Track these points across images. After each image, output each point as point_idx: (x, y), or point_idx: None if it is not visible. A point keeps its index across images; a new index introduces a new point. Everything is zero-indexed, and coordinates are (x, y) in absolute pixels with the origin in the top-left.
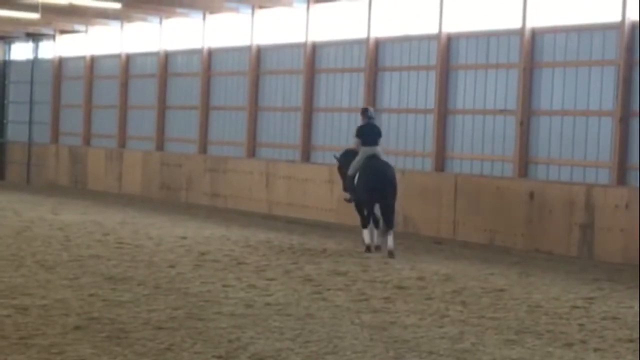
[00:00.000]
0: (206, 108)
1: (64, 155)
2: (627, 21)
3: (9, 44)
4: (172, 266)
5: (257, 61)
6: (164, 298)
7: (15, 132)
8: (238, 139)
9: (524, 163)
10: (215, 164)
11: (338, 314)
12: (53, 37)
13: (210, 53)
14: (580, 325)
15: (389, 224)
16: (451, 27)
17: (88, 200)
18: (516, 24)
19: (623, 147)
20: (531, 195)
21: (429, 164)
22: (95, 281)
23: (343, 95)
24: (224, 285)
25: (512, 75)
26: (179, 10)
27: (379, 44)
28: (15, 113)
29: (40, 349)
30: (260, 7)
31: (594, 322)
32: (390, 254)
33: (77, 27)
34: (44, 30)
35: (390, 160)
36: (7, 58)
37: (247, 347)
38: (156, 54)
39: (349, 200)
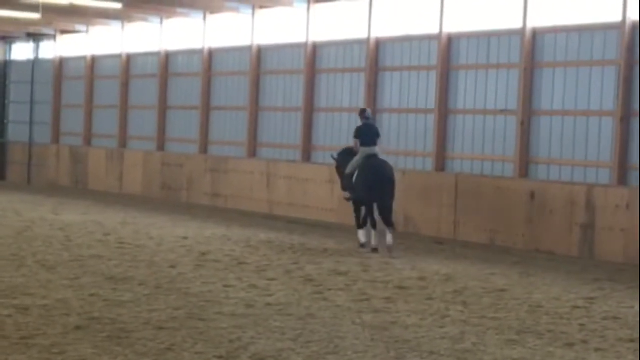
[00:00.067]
0: (207, 108)
1: (64, 155)
2: (627, 21)
3: (10, 44)
4: (173, 266)
5: (258, 61)
6: (165, 298)
7: (16, 132)
8: (239, 139)
9: (525, 163)
10: (216, 164)
11: (339, 314)
12: (54, 37)
13: (211, 53)
14: (581, 325)
15: (387, 222)
16: (452, 27)
17: (89, 200)
18: (517, 24)
19: (624, 147)
20: (532, 195)
21: (429, 164)
22: (96, 281)
23: (344, 95)
24: (225, 286)
25: (512, 75)
26: (179, 10)
27: (379, 44)
28: (16, 113)
29: (41, 349)
30: (261, 7)
31: (595, 322)
32: (389, 251)
33: (78, 27)
34: (45, 31)
35: (391, 160)
36: (8, 58)
37: (248, 347)
38: (157, 54)
39: (348, 199)
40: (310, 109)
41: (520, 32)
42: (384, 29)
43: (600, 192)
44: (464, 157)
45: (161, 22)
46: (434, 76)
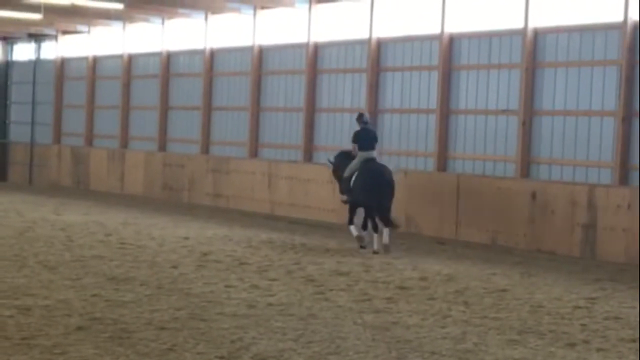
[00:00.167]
0: (208, 108)
1: (66, 155)
2: (629, 21)
3: (12, 44)
4: (174, 266)
5: (259, 61)
6: (167, 298)
7: (17, 133)
8: (240, 140)
9: (526, 163)
10: (218, 165)
11: (340, 314)
12: (55, 37)
13: (213, 53)
14: (583, 325)
15: (386, 222)
16: (453, 27)
17: (90, 200)
18: (518, 24)
19: (625, 147)
20: (533, 196)
21: (431, 164)
22: (97, 281)
23: (345, 95)
24: (226, 286)
25: (514, 75)
26: (181, 10)
27: (381, 44)
28: (17, 113)
29: (43, 349)
30: (262, 7)
31: (597, 322)
32: (386, 249)
33: (79, 27)
34: (46, 31)
35: (393, 160)
36: (9, 58)
37: (250, 348)
38: (158, 54)
39: (345, 202)
40: (311, 109)
41: (522, 32)
42: (386, 29)
43: (602, 192)
44: (466, 157)
45: (162, 23)
46: (435, 76)
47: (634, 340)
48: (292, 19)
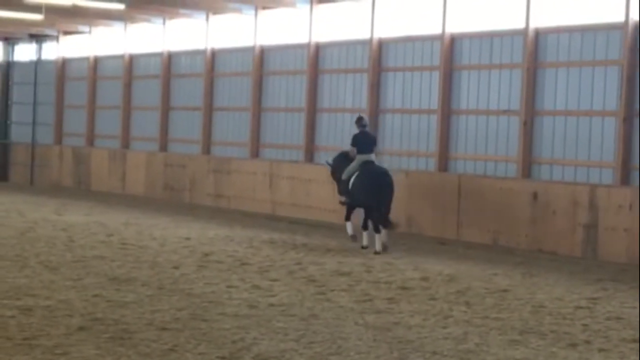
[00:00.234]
0: (210, 109)
1: (67, 156)
2: (630, 21)
3: (13, 45)
4: (176, 267)
5: (261, 62)
6: (168, 299)
7: (18, 133)
8: (241, 140)
9: (528, 163)
10: (219, 165)
11: (342, 315)
12: (56, 38)
13: (214, 54)
14: (584, 325)
15: (385, 224)
16: (455, 27)
17: (92, 201)
18: (519, 24)
19: (627, 147)
20: (535, 196)
21: (432, 164)
22: (99, 282)
23: (346, 95)
24: (227, 286)
25: (515, 75)
26: (182, 11)
27: (382, 45)
28: (18, 114)
29: (44, 349)
30: (264, 7)
31: (598, 323)
32: (384, 248)
33: (80, 28)
34: (48, 31)
35: (394, 160)
36: (10, 59)
37: (251, 348)
38: (159, 54)
39: (343, 203)
40: (312, 110)
41: (523, 32)
42: (387, 29)
43: (603, 192)
44: (467, 158)
45: (164, 23)
46: (436, 76)
47: (635, 341)
48: (293, 19)
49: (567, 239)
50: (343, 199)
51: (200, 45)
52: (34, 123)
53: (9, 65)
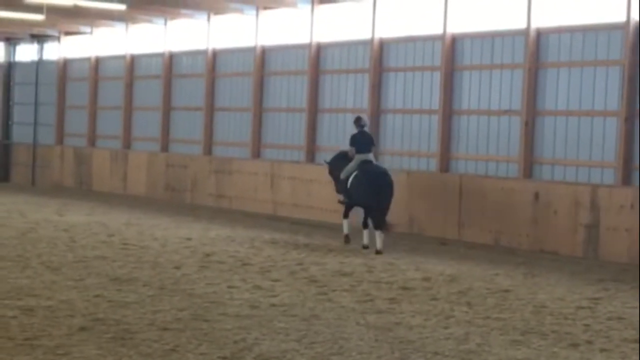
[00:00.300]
0: (211, 109)
1: (69, 156)
2: (631, 21)
3: (14, 45)
4: (177, 267)
5: (262, 62)
6: (169, 299)
7: (20, 134)
8: (243, 140)
9: (529, 163)
10: (220, 165)
11: (343, 315)
12: (58, 38)
13: (215, 54)
14: (586, 325)
15: (381, 225)
16: (456, 27)
17: (93, 201)
18: (521, 24)
19: (628, 147)
20: (536, 196)
21: (433, 164)
22: (100, 282)
23: (347, 96)
24: (229, 287)
25: (516, 75)
26: (183, 11)
27: (383, 45)
28: (20, 114)
29: (46, 350)
30: (265, 8)
31: (600, 323)
32: (378, 253)
33: (81, 28)
34: (49, 32)
35: (395, 160)
36: (12, 59)
37: (253, 348)
38: (161, 55)
39: (342, 202)
40: (314, 110)
41: (524, 33)
42: (388, 29)
43: (605, 192)
44: (468, 158)
45: (165, 23)
46: (437, 77)
47: (637, 341)
48: (294, 19)
49: (568, 239)
50: (341, 197)
51: (201, 46)
52: (35, 123)
53: (11, 66)
